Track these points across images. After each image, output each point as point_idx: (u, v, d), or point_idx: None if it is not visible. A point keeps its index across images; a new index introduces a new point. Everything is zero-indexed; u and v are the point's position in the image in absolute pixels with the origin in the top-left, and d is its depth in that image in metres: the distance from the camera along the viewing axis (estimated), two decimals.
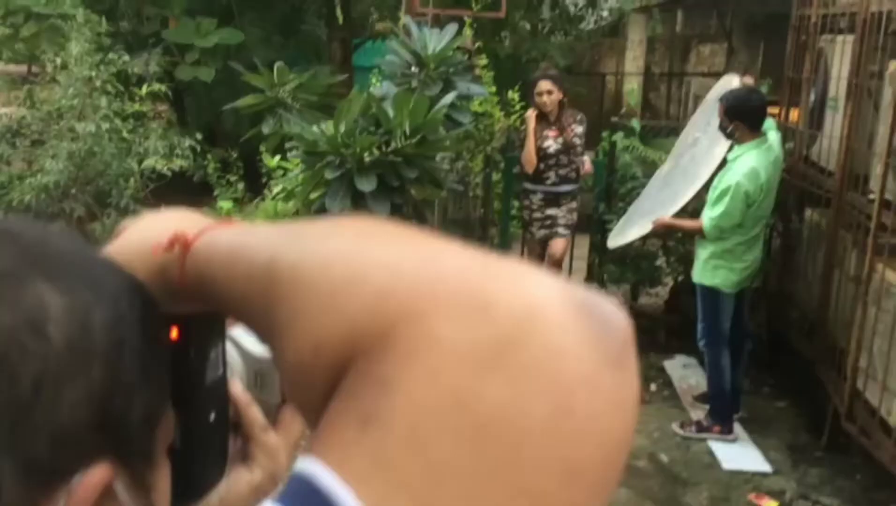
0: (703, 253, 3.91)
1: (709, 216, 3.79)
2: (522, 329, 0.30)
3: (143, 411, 0.43)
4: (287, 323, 0.35)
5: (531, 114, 5.10)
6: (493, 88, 5.55)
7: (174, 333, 0.46)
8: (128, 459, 0.43)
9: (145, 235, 0.47)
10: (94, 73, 4.22)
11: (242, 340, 0.51)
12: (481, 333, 0.30)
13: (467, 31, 5.25)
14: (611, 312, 0.34)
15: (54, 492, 0.40)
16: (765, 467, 3.79)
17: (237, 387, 0.51)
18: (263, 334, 0.39)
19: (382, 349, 0.31)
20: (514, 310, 0.31)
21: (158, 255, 0.44)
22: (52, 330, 0.39)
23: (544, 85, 5.08)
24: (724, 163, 3.93)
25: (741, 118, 3.70)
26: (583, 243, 5.52)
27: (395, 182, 3.73)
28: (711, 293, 3.90)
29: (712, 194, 3.83)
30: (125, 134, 4.44)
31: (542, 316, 0.31)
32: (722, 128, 3.79)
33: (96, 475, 0.41)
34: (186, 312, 0.46)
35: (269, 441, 0.52)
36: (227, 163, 5.68)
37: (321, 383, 0.33)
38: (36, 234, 0.44)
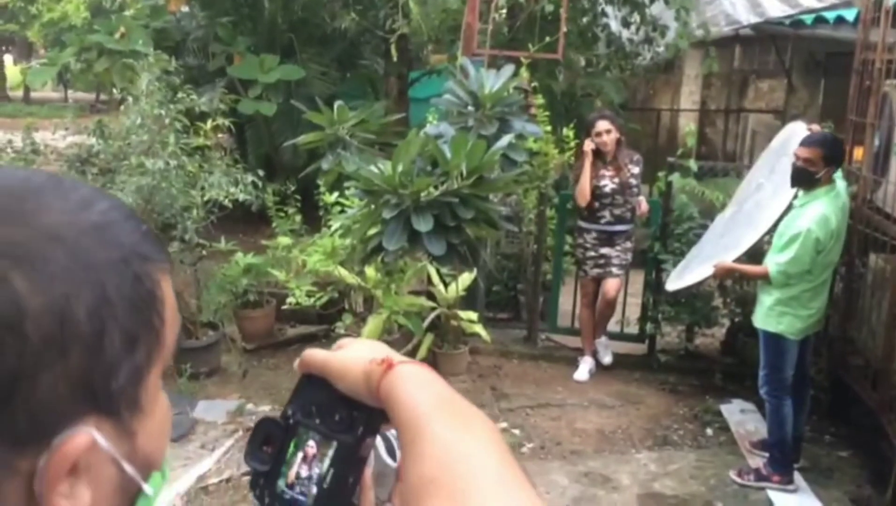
0: (767, 299, 3.84)
1: (776, 262, 3.73)
2: None
3: (129, 373, 0.48)
4: (422, 476, 0.51)
5: (588, 147, 5.11)
6: (549, 127, 5.58)
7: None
8: (112, 414, 0.48)
9: (363, 351, 0.61)
10: (163, 111, 4.38)
11: (378, 442, 0.62)
12: None
13: (524, 72, 5.30)
14: None
15: (34, 453, 0.44)
16: None
17: (368, 473, 0.60)
18: (404, 448, 0.55)
19: None
20: None
21: (372, 365, 0.58)
22: (28, 327, 0.43)
23: (603, 125, 5.10)
24: (788, 208, 3.88)
25: (835, 164, 3.68)
26: (637, 280, 5.49)
27: (452, 222, 3.77)
28: (775, 340, 3.83)
29: (779, 241, 3.77)
30: (190, 168, 4.58)
31: None
32: (807, 173, 3.70)
33: (78, 439, 0.45)
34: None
35: None
36: (285, 195, 5.81)
37: None
38: (16, 209, 0.47)
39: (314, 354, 0.62)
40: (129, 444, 0.49)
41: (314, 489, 0.59)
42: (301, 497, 0.59)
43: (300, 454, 0.60)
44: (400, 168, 3.87)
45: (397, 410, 0.55)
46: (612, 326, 5.55)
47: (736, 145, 10.58)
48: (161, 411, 0.53)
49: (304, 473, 0.59)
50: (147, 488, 0.52)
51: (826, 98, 8.21)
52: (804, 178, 3.71)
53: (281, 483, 0.60)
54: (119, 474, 0.49)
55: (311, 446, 0.60)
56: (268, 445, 0.61)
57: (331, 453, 0.59)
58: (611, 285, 5.21)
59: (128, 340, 0.48)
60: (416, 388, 0.55)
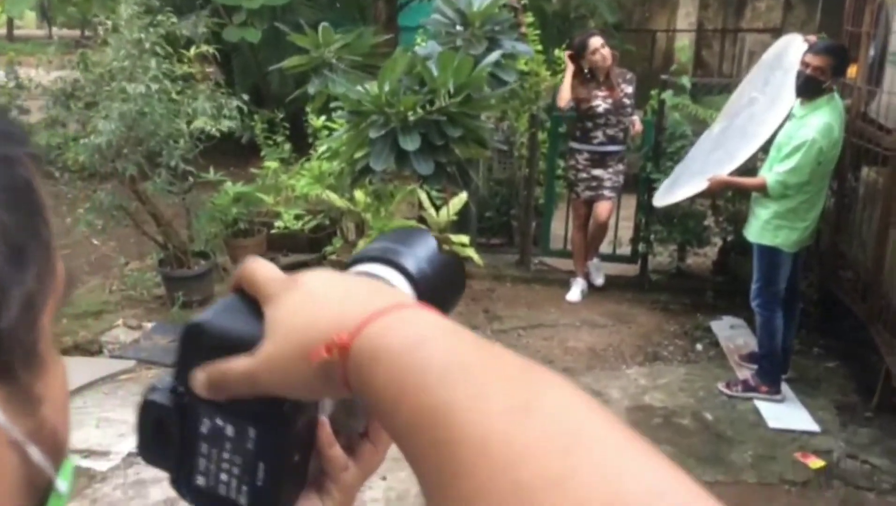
0: (763, 213, 3.82)
1: (776, 172, 3.71)
2: None
3: (21, 305, 0.34)
4: (469, 499, 0.32)
5: (570, 66, 5.06)
6: (540, 47, 5.47)
7: None
8: (3, 371, 0.34)
9: (295, 336, 0.42)
10: (143, 36, 4.28)
11: None
12: None
13: None
14: None
15: None
16: (812, 426, 3.75)
17: (326, 428, 0.47)
18: (422, 476, 0.35)
19: None
20: None
21: (318, 361, 0.40)
22: None
23: (597, 41, 5.00)
24: (784, 121, 3.84)
25: (841, 74, 3.65)
26: (629, 203, 5.47)
27: (440, 141, 3.73)
28: (770, 253, 3.83)
29: (779, 152, 3.74)
30: (174, 95, 4.51)
31: None
32: (816, 82, 3.62)
33: None
34: None
35: (347, 479, 0.48)
36: (274, 123, 5.74)
37: None
38: None
39: (224, 371, 0.43)
40: (31, 417, 0.35)
41: (244, 488, 0.45)
42: (233, 494, 0.46)
43: (207, 444, 0.45)
44: (386, 87, 3.81)
45: (390, 409, 0.38)
46: (605, 247, 5.56)
47: (733, 67, 10.41)
48: (62, 372, 0.39)
49: (224, 464, 0.45)
50: (60, 482, 0.37)
51: (824, 15, 8.04)
52: (812, 87, 3.64)
53: (200, 480, 0.46)
54: (22, 463, 0.35)
55: (222, 428, 0.45)
56: (162, 432, 0.46)
57: (251, 441, 0.45)
58: (603, 208, 5.20)
59: (13, 253, 0.33)
60: (407, 366, 0.37)
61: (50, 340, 0.37)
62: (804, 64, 3.65)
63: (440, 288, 0.51)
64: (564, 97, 5.06)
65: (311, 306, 0.43)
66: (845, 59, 3.68)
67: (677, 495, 0.31)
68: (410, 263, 0.51)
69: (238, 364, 0.43)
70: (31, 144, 0.38)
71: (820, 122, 3.58)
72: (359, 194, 4.41)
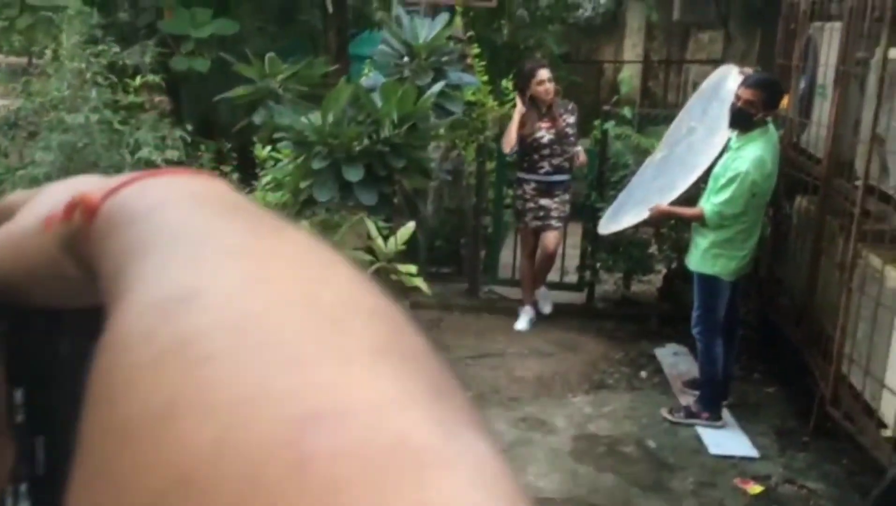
0: (702, 242, 3.91)
1: (712, 203, 3.80)
2: None
3: None
4: (86, 433, 0.22)
5: (520, 105, 5.10)
6: (486, 77, 5.55)
7: (38, 316, 0.35)
8: None
9: (36, 209, 0.33)
10: (84, 66, 4.24)
11: None
12: None
13: (457, 21, 5.25)
14: None
15: None
16: (752, 452, 3.82)
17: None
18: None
19: None
20: None
21: (54, 229, 0.31)
22: None
23: (545, 73, 5.07)
24: (722, 151, 3.94)
25: (773, 107, 3.73)
26: (576, 231, 5.54)
27: (383, 172, 3.76)
28: (709, 281, 3.91)
29: (715, 183, 3.83)
30: (116, 125, 4.46)
31: None
32: (747, 114, 3.73)
33: None
34: None
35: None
36: (222, 153, 5.71)
37: None
38: None
39: None
40: None
41: None
42: None
43: None
44: (330, 118, 3.83)
45: (108, 265, 0.28)
46: (552, 275, 5.61)
47: (678, 97, 10.67)
48: None
49: None
50: None
51: (763, 46, 8.31)
52: (743, 119, 3.76)
53: None
54: None
55: None
56: None
57: None
58: (550, 239, 5.25)
59: None
60: (141, 229, 0.28)
61: None
62: (736, 97, 3.76)
63: None
64: (510, 142, 5.11)
65: (65, 184, 0.35)
66: (776, 92, 3.79)
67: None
68: None
69: None
70: None
71: (753, 154, 3.69)
72: (304, 225, 4.40)
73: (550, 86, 5.05)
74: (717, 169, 3.89)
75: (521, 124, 5.08)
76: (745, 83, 3.80)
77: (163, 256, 0.25)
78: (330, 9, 6.76)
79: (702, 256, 3.91)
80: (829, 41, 3.97)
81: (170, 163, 5.04)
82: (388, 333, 0.23)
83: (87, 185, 0.33)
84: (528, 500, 0.20)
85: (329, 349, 0.21)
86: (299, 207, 3.92)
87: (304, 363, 0.20)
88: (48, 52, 4.48)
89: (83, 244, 0.30)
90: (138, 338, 0.22)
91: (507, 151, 5.17)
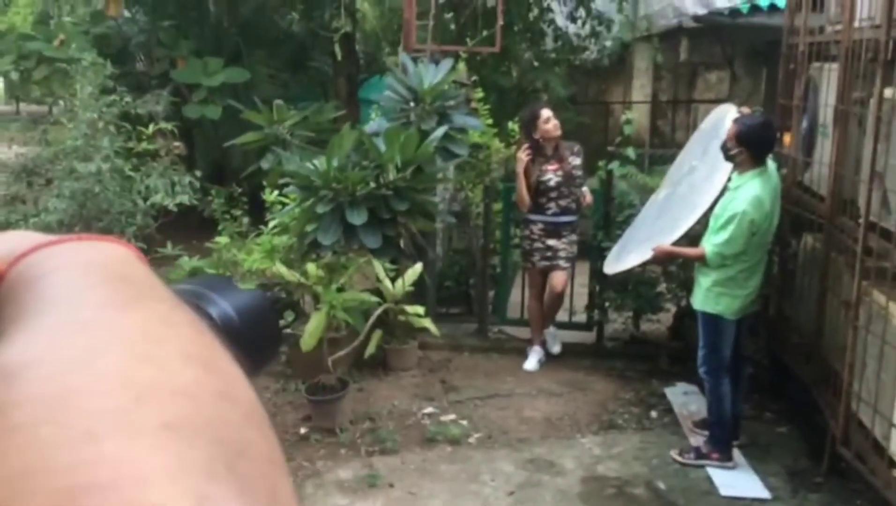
0: (704, 281, 3.91)
1: (712, 243, 3.81)
2: None
3: None
4: None
5: (520, 155, 5.14)
6: (490, 121, 5.62)
7: None
8: None
9: None
10: (97, 115, 4.35)
11: None
12: None
13: (461, 66, 5.34)
14: None
15: None
16: (763, 493, 3.76)
17: None
18: None
19: None
20: None
21: None
22: None
23: (547, 112, 5.13)
24: (723, 190, 3.96)
25: (750, 147, 3.71)
26: (583, 271, 5.55)
27: (387, 215, 3.80)
28: (713, 321, 3.90)
29: (715, 222, 3.84)
30: (128, 172, 4.55)
31: None
32: (725, 149, 3.80)
33: None
34: None
35: None
36: (233, 198, 5.79)
37: None
38: None
39: None
40: None
41: None
42: None
43: None
44: (335, 163, 3.89)
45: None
46: (561, 315, 5.60)
47: (686, 136, 10.73)
48: None
49: None
50: None
51: (768, 86, 8.37)
52: (724, 154, 3.81)
53: None
54: None
55: None
56: None
57: None
58: (558, 279, 5.26)
59: None
60: (30, 295, 0.30)
61: None
62: (727, 134, 3.81)
63: (249, 336, 0.50)
64: (524, 202, 5.16)
65: None
66: (755, 132, 3.73)
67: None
68: (213, 309, 0.49)
69: None
70: None
71: (750, 194, 3.70)
72: (311, 268, 4.44)
73: (553, 123, 5.10)
74: (716, 209, 3.90)
75: (527, 173, 5.12)
76: (735, 121, 3.84)
77: (26, 326, 0.28)
78: (339, 56, 6.89)
79: (705, 295, 3.90)
80: (828, 81, 4.00)
81: (181, 207, 5.12)
82: (190, 408, 0.24)
83: (3, 244, 0.35)
84: None
85: (122, 425, 0.23)
86: (305, 250, 3.96)
87: (94, 438, 0.22)
88: (62, 103, 4.60)
89: None
90: None
91: (524, 210, 5.21)
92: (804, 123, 4.45)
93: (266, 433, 0.26)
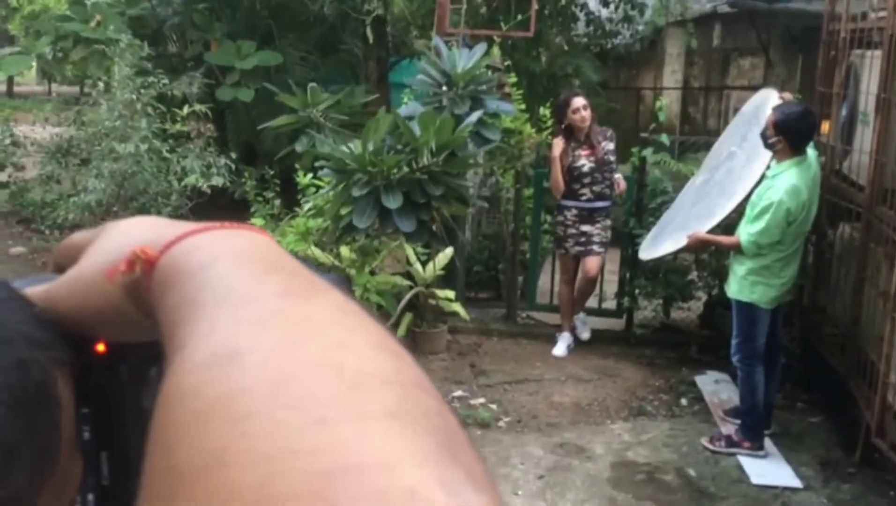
0: (739, 269, 3.88)
1: (748, 232, 3.78)
2: None
3: (9, 493, 0.33)
4: (148, 472, 0.26)
5: (557, 141, 5.12)
6: (523, 105, 5.60)
7: (100, 347, 0.39)
8: None
9: (100, 258, 0.37)
10: (135, 97, 4.40)
11: None
12: None
13: (495, 50, 5.32)
14: None
15: None
16: (795, 482, 3.75)
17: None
18: None
19: None
20: None
21: (117, 280, 0.35)
22: None
23: (579, 101, 5.10)
24: (761, 179, 3.92)
25: (788, 136, 3.66)
26: (614, 258, 5.53)
27: (422, 199, 3.82)
28: (748, 309, 3.88)
29: (752, 211, 3.81)
30: (165, 153, 4.61)
31: None
32: (764, 136, 3.76)
33: None
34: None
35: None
36: (266, 180, 5.84)
37: None
38: None
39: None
40: None
41: None
42: None
43: None
44: (370, 147, 3.91)
45: (168, 322, 0.32)
46: (591, 302, 5.59)
47: (718, 123, 10.62)
48: None
49: None
50: None
51: (804, 73, 8.25)
52: (763, 142, 3.77)
53: None
54: None
55: None
56: None
57: None
58: (592, 263, 5.24)
59: (2, 452, 0.33)
60: (193, 286, 0.31)
61: None
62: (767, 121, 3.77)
63: None
64: (558, 188, 5.14)
65: (123, 232, 0.38)
66: (793, 120, 3.67)
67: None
68: None
69: (38, 287, 0.39)
70: (56, 348, 0.37)
71: (787, 183, 3.66)
72: (344, 251, 4.48)
73: (586, 113, 5.07)
74: (753, 197, 3.86)
75: (561, 159, 5.10)
76: (774, 109, 3.79)
77: (210, 317, 0.29)
78: (370, 39, 6.89)
79: (740, 284, 3.88)
80: (870, 68, 3.94)
81: (214, 189, 5.18)
82: (402, 396, 0.26)
83: (142, 233, 0.37)
84: None
85: (349, 412, 0.24)
86: (340, 233, 3.99)
87: (328, 423, 0.24)
88: (100, 84, 4.66)
89: (143, 295, 0.34)
90: (189, 393, 0.26)
91: (558, 197, 5.19)
92: (844, 111, 4.38)
93: (457, 420, 0.28)
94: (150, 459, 0.26)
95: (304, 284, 0.31)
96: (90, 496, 0.40)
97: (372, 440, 0.23)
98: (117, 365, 0.39)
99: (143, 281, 0.34)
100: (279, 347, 0.27)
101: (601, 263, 5.29)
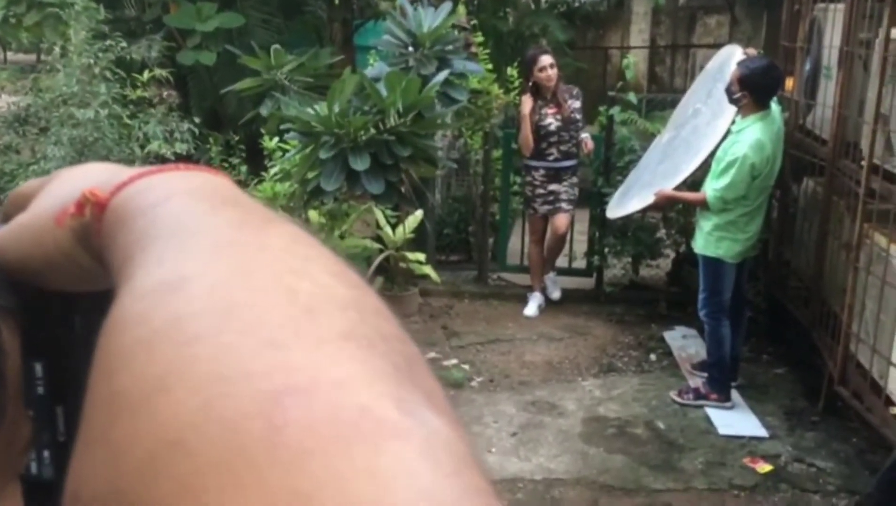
0: (706, 224, 3.93)
1: (713, 187, 3.81)
2: None
3: None
4: (89, 403, 0.24)
5: (525, 98, 5.11)
6: (490, 66, 5.56)
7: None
8: None
9: (49, 202, 0.36)
10: (92, 61, 4.28)
11: None
12: None
13: (461, 9, 5.26)
14: None
15: None
16: (761, 432, 3.84)
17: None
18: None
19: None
20: None
21: (66, 223, 0.34)
22: None
23: (546, 59, 5.08)
24: (726, 134, 3.94)
25: (753, 90, 3.68)
26: (583, 217, 5.56)
27: (389, 161, 3.78)
28: (714, 264, 3.93)
29: (717, 166, 3.84)
30: (126, 119, 4.51)
31: None
32: (729, 92, 3.78)
33: None
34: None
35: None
36: (230, 146, 5.75)
37: None
38: None
39: None
40: None
41: None
42: None
43: None
44: (336, 108, 3.86)
45: (116, 256, 0.30)
46: (560, 261, 5.63)
47: (685, 82, 10.65)
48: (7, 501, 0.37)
49: None
50: None
51: (769, 29, 8.28)
52: (728, 98, 3.79)
53: None
54: None
55: None
56: None
57: None
58: (561, 221, 5.27)
59: None
60: (146, 223, 0.30)
61: None
62: (731, 77, 3.78)
63: None
64: (528, 145, 5.13)
65: (74, 177, 0.37)
66: (758, 75, 3.69)
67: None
68: None
69: None
70: (2, 293, 0.36)
71: (751, 138, 3.69)
72: (313, 214, 4.44)
73: (553, 72, 5.06)
74: (718, 153, 3.90)
75: (531, 117, 5.09)
76: (738, 64, 3.81)
77: (160, 249, 0.28)
78: (335, 1, 6.76)
79: (706, 239, 3.92)
80: (833, 22, 3.96)
81: (178, 156, 5.09)
82: (358, 320, 0.25)
83: (94, 176, 0.35)
84: (485, 473, 0.22)
85: (302, 335, 0.23)
86: (307, 197, 3.96)
87: (279, 346, 0.23)
88: (56, 49, 4.53)
89: (93, 238, 0.33)
90: (135, 320, 0.25)
91: (527, 154, 5.18)
92: (807, 66, 4.42)
93: (416, 348, 0.27)
94: (91, 388, 0.24)
95: (259, 216, 0.30)
96: (45, 453, 0.38)
97: (324, 361, 0.22)
98: (71, 316, 0.37)
99: (93, 224, 0.33)
100: (230, 274, 0.26)
101: (569, 220, 5.32)
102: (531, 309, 5.34)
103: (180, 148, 4.66)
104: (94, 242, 0.33)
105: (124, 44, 4.68)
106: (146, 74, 5.11)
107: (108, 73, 4.48)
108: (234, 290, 0.25)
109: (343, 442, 0.20)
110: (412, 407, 0.22)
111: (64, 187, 0.36)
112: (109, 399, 0.23)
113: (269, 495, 0.19)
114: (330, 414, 0.21)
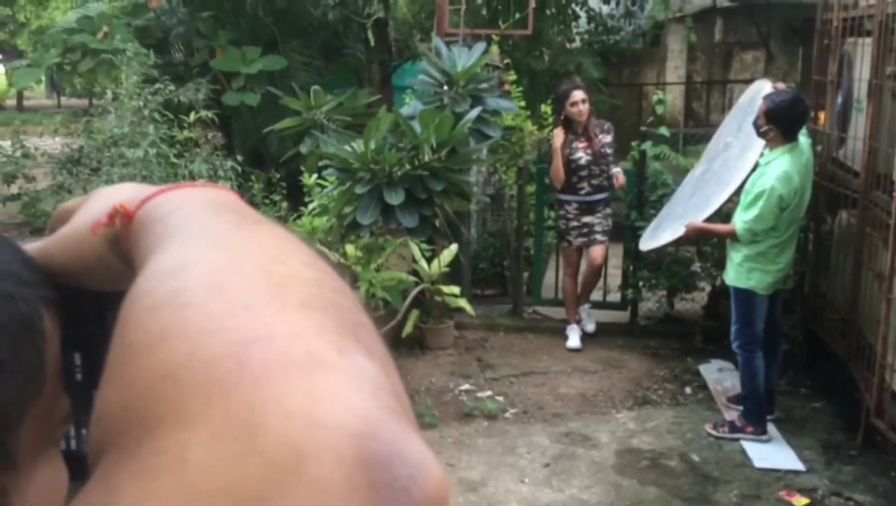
0: (736, 256, 3.95)
1: (742, 220, 3.84)
2: (275, 485, 0.25)
3: None
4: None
5: (558, 132, 5.20)
6: (524, 103, 5.68)
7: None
8: None
9: (86, 216, 0.43)
10: (142, 104, 4.50)
11: None
12: (230, 471, 0.25)
13: (494, 49, 5.40)
14: (412, 474, 0.26)
15: None
16: (797, 465, 3.80)
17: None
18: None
19: (127, 449, 0.28)
20: (279, 453, 0.25)
21: (100, 232, 0.41)
22: None
23: (578, 94, 5.18)
24: (755, 167, 3.98)
25: (779, 123, 3.73)
26: (617, 251, 5.60)
27: (423, 195, 3.89)
28: (745, 296, 3.94)
29: (745, 198, 3.87)
30: (173, 158, 4.71)
31: (307, 474, 0.25)
32: (756, 126, 3.83)
33: None
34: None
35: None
36: (272, 183, 5.94)
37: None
38: None
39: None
40: None
41: None
42: None
43: None
44: (372, 145, 3.99)
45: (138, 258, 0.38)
46: (595, 294, 5.66)
47: (721, 117, 10.65)
48: (44, 480, 0.43)
49: None
50: None
51: (805, 64, 8.29)
52: (755, 131, 3.84)
53: None
54: None
55: None
56: None
57: None
58: (597, 252, 5.30)
59: None
60: (158, 230, 0.38)
61: (30, 448, 0.42)
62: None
63: None
64: (559, 178, 5.21)
65: (107, 194, 0.44)
66: (783, 108, 3.73)
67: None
68: None
69: (35, 244, 0.46)
70: (44, 288, 0.43)
71: (779, 170, 3.73)
72: (350, 249, 4.56)
73: (584, 107, 5.14)
74: (747, 185, 3.93)
75: (563, 150, 5.18)
76: (764, 98, 3.86)
77: (169, 245, 0.35)
78: (372, 42, 6.98)
79: (736, 271, 3.94)
80: (862, 56, 4.00)
81: None
82: (318, 294, 0.32)
83: (123, 193, 0.43)
84: (405, 403, 0.30)
85: (270, 302, 0.30)
86: (344, 231, 4.08)
87: (250, 310, 0.30)
88: (109, 93, 4.76)
89: (123, 243, 0.41)
90: (144, 293, 0.32)
91: (558, 187, 5.26)
92: (839, 99, 4.44)
93: (370, 319, 0.35)
94: (112, 343, 0.32)
95: (252, 219, 0.37)
96: (83, 431, 0.46)
97: (284, 319, 0.30)
98: (104, 313, 0.44)
99: (122, 232, 0.40)
100: (220, 261, 0.33)
101: (605, 251, 5.35)
102: (573, 341, 5.33)
103: (224, 185, 4.84)
104: (124, 247, 0.40)
105: (172, 87, 4.90)
106: (192, 116, 5.34)
107: (156, 115, 4.70)
108: (222, 272, 0.32)
109: (290, 373, 0.28)
110: (350, 353, 0.30)
111: (98, 203, 0.44)
112: (124, 349, 0.31)
113: (231, 408, 0.27)
114: (283, 355, 0.28)
